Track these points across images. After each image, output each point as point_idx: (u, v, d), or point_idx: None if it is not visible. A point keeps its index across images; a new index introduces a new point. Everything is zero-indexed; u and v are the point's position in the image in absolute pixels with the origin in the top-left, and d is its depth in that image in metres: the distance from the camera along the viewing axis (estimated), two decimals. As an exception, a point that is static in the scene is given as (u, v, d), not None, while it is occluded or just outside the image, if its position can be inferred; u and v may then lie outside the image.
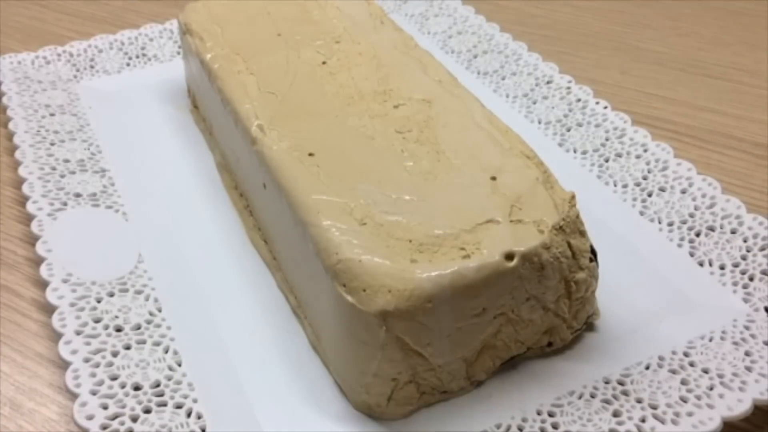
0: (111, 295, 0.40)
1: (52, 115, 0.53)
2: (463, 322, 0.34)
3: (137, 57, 0.62)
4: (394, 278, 0.33)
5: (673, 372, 0.36)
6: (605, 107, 0.53)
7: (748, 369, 0.36)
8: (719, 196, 0.45)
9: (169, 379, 0.36)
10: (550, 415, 0.35)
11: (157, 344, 0.38)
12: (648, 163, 0.49)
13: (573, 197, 0.37)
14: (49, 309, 0.39)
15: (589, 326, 0.40)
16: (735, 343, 0.37)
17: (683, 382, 0.36)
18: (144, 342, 0.38)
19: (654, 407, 0.35)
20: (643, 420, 0.34)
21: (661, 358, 0.37)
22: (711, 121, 0.57)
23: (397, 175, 0.38)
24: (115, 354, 0.37)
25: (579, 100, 0.55)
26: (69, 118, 0.53)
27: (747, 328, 0.38)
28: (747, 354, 0.37)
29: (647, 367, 0.37)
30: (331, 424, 0.36)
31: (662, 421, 0.34)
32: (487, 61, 0.60)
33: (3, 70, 0.57)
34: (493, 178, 0.37)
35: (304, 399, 0.37)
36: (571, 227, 0.36)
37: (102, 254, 0.43)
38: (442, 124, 0.41)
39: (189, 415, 0.35)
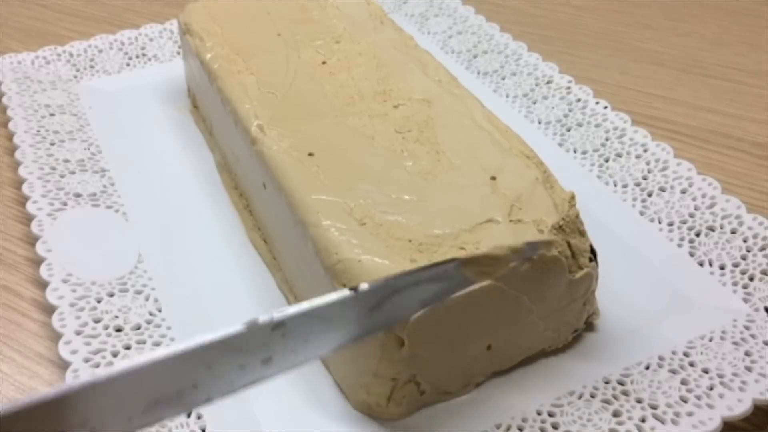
0: (111, 295, 0.40)
1: (52, 115, 0.53)
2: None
3: (137, 57, 0.62)
4: (393, 278, 0.32)
5: (673, 372, 0.36)
6: (605, 107, 0.53)
7: (748, 369, 0.36)
8: (719, 196, 0.45)
9: (169, 379, 0.36)
10: (550, 415, 0.35)
11: (157, 344, 0.38)
12: (648, 163, 0.49)
13: (573, 197, 0.37)
14: (49, 309, 0.39)
15: (589, 326, 0.40)
16: (735, 343, 0.37)
17: (683, 382, 0.36)
18: (144, 342, 0.38)
19: (654, 407, 0.35)
20: (643, 420, 0.34)
21: (661, 358, 0.37)
22: (711, 121, 0.57)
23: (397, 175, 0.38)
24: (115, 354, 0.37)
25: (579, 100, 0.55)
26: (69, 118, 0.53)
27: (747, 328, 0.38)
28: (747, 354, 0.37)
29: (647, 367, 0.37)
30: (331, 424, 0.36)
31: (662, 421, 0.34)
32: (487, 61, 0.60)
33: (3, 70, 0.57)
34: (493, 178, 0.37)
35: (304, 399, 0.37)
36: (570, 227, 0.36)
37: (102, 254, 0.43)
38: (442, 124, 0.41)
39: (189, 415, 0.35)
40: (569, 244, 0.35)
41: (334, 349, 0.26)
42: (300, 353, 0.25)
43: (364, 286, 0.27)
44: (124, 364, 0.22)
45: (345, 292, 0.26)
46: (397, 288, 0.28)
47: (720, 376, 0.36)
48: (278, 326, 0.25)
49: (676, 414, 0.34)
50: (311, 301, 0.26)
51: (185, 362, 0.23)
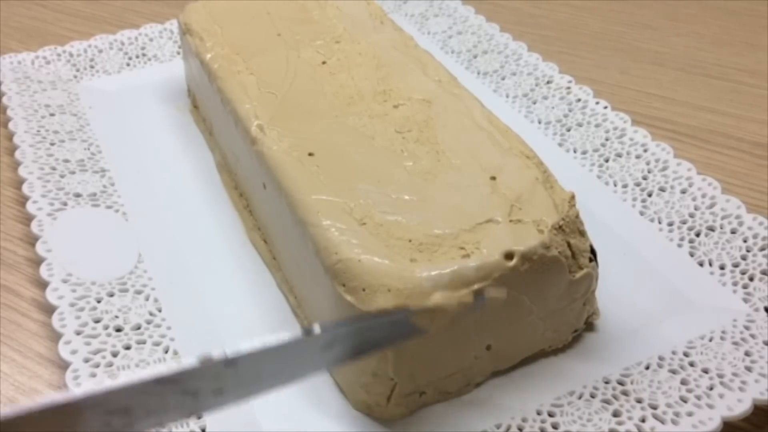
0: (111, 295, 0.40)
1: (52, 115, 0.53)
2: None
3: (137, 57, 0.62)
4: (393, 278, 0.32)
5: (673, 372, 0.36)
6: (605, 107, 0.53)
7: (748, 369, 0.36)
8: (719, 196, 0.45)
9: (169, 379, 0.36)
10: (550, 415, 0.35)
11: (157, 344, 0.38)
12: (648, 163, 0.49)
13: (573, 197, 0.37)
14: (49, 309, 0.39)
15: (589, 326, 0.40)
16: (735, 343, 0.37)
17: (683, 382, 0.36)
18: (144, 342, 0.38)
19: (654, 407, 0.35)
20: (643, 420, 0.34)
21: (661, 358, 0.37)
22: (711, 121, 0.57)
23: (397, 175, 0.38)
24: (115, 354, 0.37)
25: (579, 100, 0.55)
26: (69, 118, 0.53)
27: (747, 328, 0.38)
28: (747, 354, 0.37)
29: (647, 367, 0.37)
30: (330, 423, 0.36)
31: (662, 421, 0.34)
32: (487, 61, 0.60)
33: (3, 70, 0.57)
34: (493, 178, 0.37)
35: (304, 399, 0.37)
36: (570, 227, 0.36)
37: (102, 254, 0.43)
38: (441, 124, 0.41)
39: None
40: (569, 244, 0.35)
41: (287, 384, 0.28)
42: (251, 387, 0.27)
43: (316, 328, 0.28)
44: (78, 390, 0.24)
45: (298, 334, 0.27)
46: (348, 332, 0.29)
47: (720, 376, 0.36)
48: (231, 363, 0.26)
49: (676, 414, 0.34)
50: (265, 340, 0.27)
51: (139, 391, 0.24)
